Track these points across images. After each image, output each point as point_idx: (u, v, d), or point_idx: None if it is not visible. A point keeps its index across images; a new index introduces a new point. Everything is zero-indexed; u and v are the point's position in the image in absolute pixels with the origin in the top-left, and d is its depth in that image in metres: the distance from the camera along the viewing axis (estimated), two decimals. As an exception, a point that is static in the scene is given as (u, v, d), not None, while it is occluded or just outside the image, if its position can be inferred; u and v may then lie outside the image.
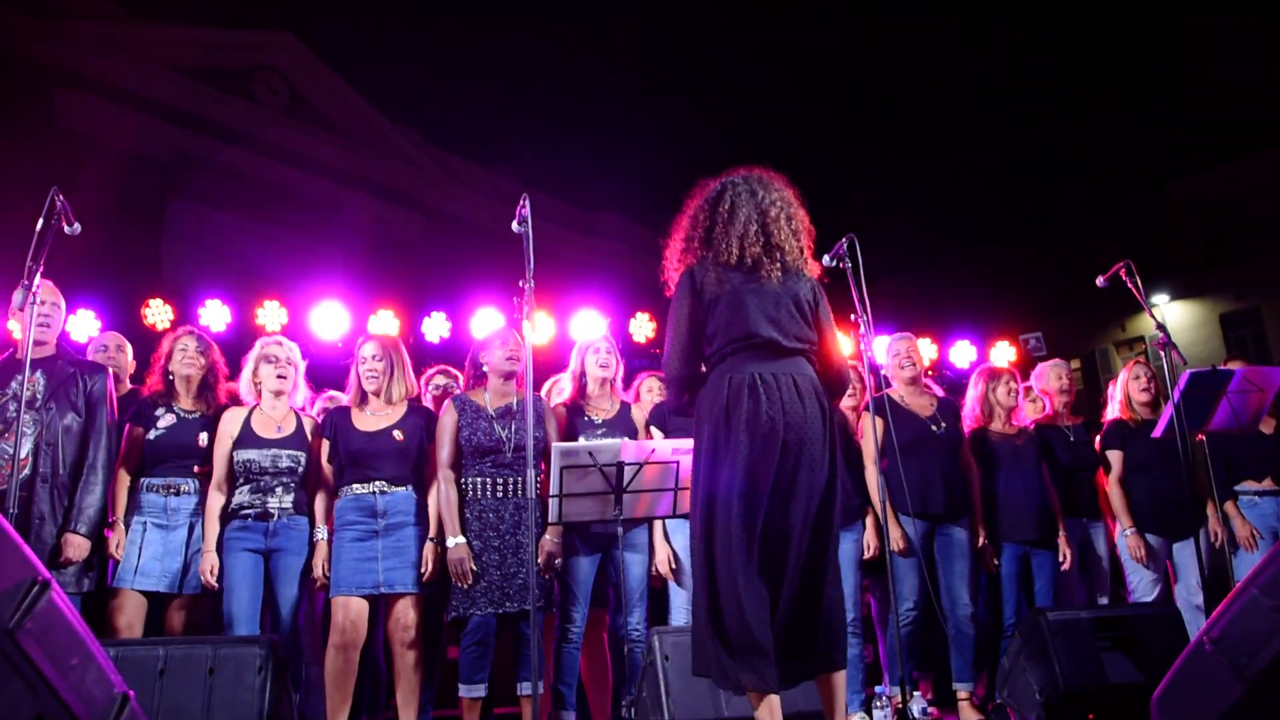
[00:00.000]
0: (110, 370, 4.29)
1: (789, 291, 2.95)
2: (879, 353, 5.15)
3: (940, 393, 5.17)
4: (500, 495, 4.15)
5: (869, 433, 4.64)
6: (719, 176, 3.13)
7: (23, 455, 3.77)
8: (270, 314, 7.15)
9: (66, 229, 3.60)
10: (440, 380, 5.20)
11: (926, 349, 8.46)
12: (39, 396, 3.94)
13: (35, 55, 10.88)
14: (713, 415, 2.89)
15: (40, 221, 3.48)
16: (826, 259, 4.16)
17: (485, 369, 4.39)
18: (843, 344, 3.11)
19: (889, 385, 5.13)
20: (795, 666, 2.80)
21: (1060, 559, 4.96)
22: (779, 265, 2.97)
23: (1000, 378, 5.21)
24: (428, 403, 4.89)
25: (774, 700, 2.67)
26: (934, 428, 4.86)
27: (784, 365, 2.90)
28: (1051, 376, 5.44)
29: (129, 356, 4.91)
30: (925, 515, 4.73)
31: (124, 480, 4.19)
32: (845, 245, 4.15)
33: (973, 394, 5.26)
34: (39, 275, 3.45)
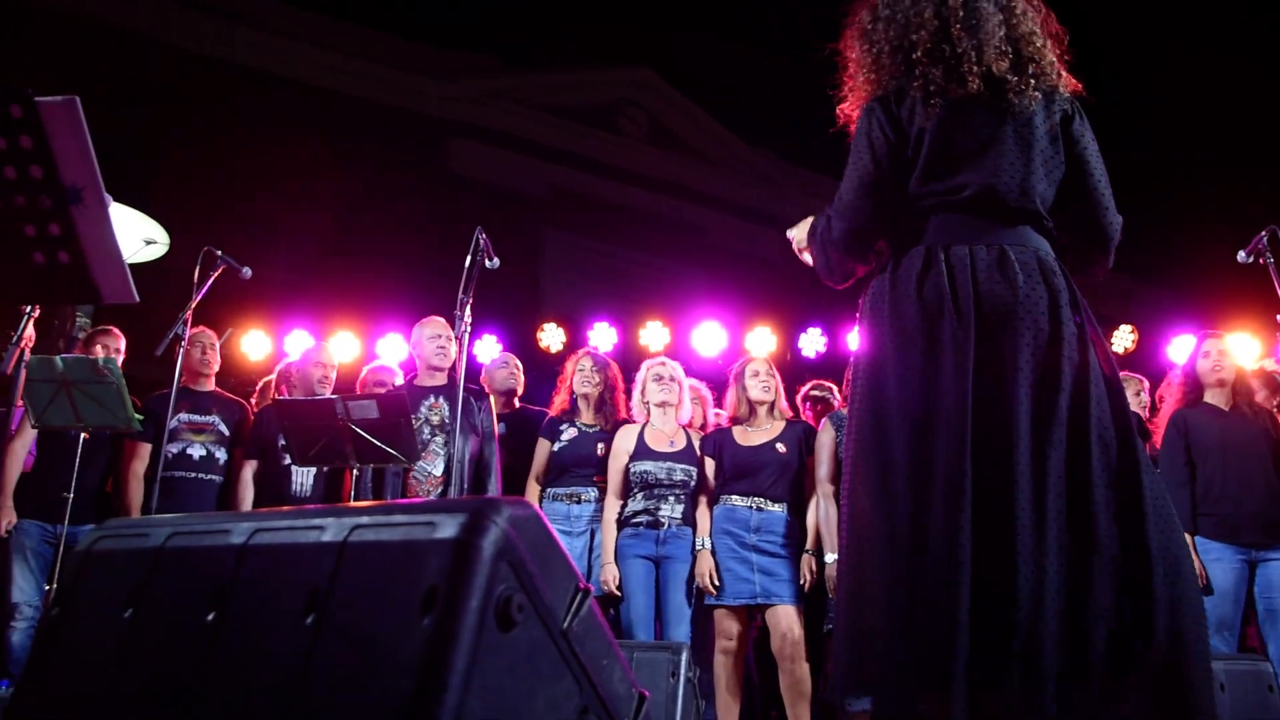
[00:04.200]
0: (492, 395, 4.86)
1: (1037, 124, 2.05)
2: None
3: None
4: (879, 512, 4.09)
5: None
6: None
7: (438, 474, 4.29)
8: (653, 334, 7.55)
9: (488, 264, 4.03)
10: (816, 394, 5.25)
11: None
12: (444, 420, 4.48)
13: (430, 111, 12.41)
14: (892, 308, 2.04)
15: (468, 258, 3.91)
16: (1242, 254, 3.76)
17: (861, 384, 4.36)
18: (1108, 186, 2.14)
19: None
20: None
21: None
22: (1033, 86, 2.06)
23: None
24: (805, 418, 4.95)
25: None
26: None
27: (1005, 234, 2.02)
28: None
29: (521, 374, 5.49)
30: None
31: (533, 489, 4.64)
32: (1265, 238, 3.75)
33: None
34: (469, 307, 3.88)
